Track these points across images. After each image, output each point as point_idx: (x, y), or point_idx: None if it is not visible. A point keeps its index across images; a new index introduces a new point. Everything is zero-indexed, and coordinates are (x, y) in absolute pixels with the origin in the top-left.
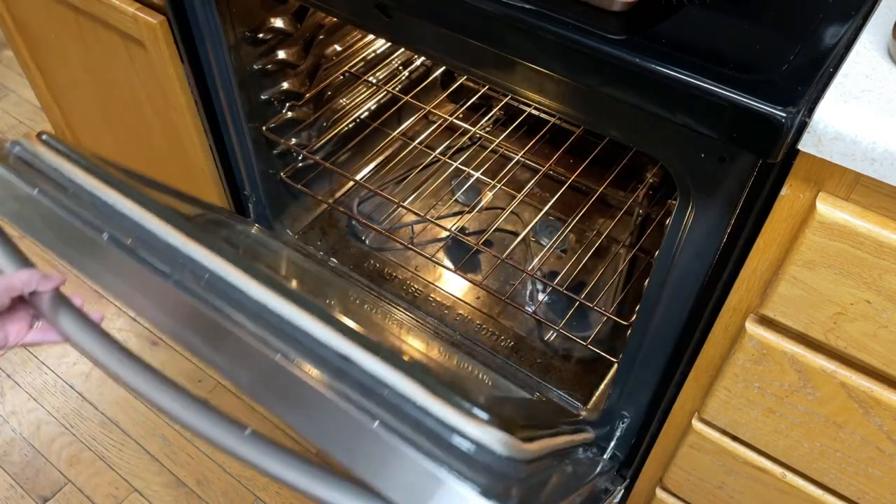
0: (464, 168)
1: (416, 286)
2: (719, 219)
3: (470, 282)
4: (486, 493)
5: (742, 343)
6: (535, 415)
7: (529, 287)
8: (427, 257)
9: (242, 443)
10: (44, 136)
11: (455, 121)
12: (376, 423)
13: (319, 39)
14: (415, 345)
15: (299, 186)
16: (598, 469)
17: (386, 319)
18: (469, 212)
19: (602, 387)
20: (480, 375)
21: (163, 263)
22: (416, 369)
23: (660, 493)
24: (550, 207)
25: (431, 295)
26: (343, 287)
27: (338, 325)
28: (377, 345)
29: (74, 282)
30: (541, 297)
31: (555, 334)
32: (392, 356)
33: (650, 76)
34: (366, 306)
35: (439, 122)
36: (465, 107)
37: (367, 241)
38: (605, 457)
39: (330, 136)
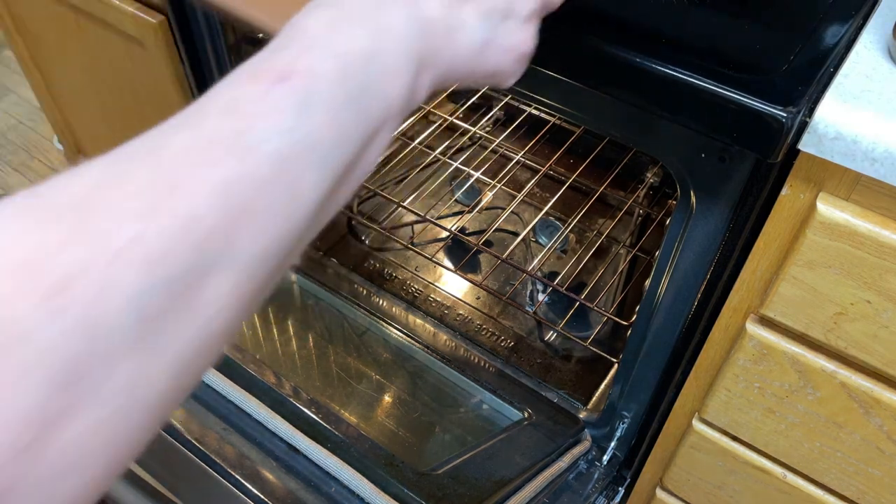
0: (464, 168)
1: (416, 286)
2: (720, 219)
3: (470, 282)
4: None
5: (742, 343)
6: (511, 461)
7: (529, 287)
8: (427, 257)
9: None
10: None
11: (455, 121)
12: None
13: None
14: (387, 399)
15: None
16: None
17: (367, 358)
18: (469, 212)
19: (602, 387)
20: (449, 434)
21: None
22: (366, 458)
23: (660, 494)
24: (550, 207)
25: (431, 295)
26: (332, 315)
27: (289, 410)
28: (329, 430)
29: None
30: (541, 297)
31: (555, 334)
32: (341, 446)
33: (650, 76)
34: (351, 344)
35: (439, 121)
36: (464, 106)
37: (367, 241)
38: (603, 463)
39: None
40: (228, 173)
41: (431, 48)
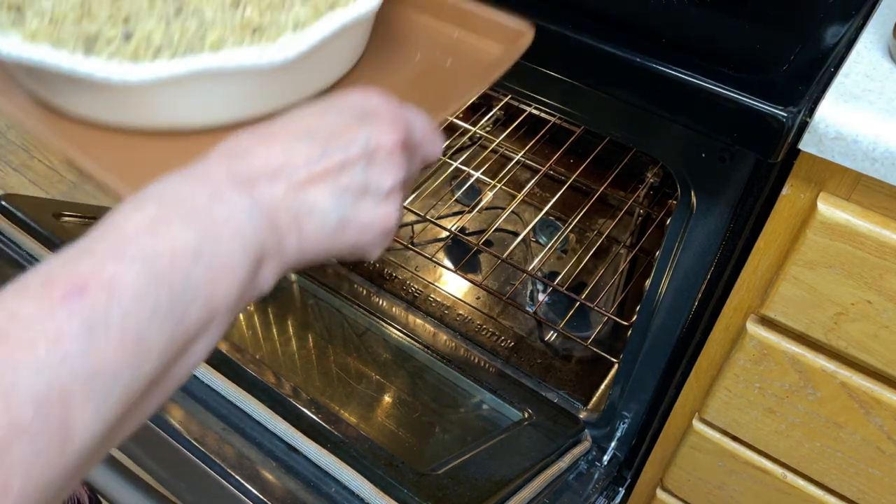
0: (464, 168)
1: (415, 286)
2: (720, 219)
3: (470, 282)
4: None
5: (743, 343)
6: (511, 462)
7: (530, 287)
8: (427, 257)
9: None
10: (3, 202)
11: (455, 120)
12: None
13: None
14: (387, 399)
15: None
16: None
17: (368, 360)
18: (469, 212)
19: (602, 387)
20: (448, 434)
21: None
22: (366, 458)
23: (660, 494)
24: (550, 207)
25: (431, 295)
26: (332, 315)
27: (289, 410)
28: (329, 431)
29: None
30: (541, 297)
31: (555, 334)
32: (341, 446)
33: (650, 76)
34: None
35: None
36: (464, 106)
37: None
38: (603, 463)
39: None
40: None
41: (275, 237)
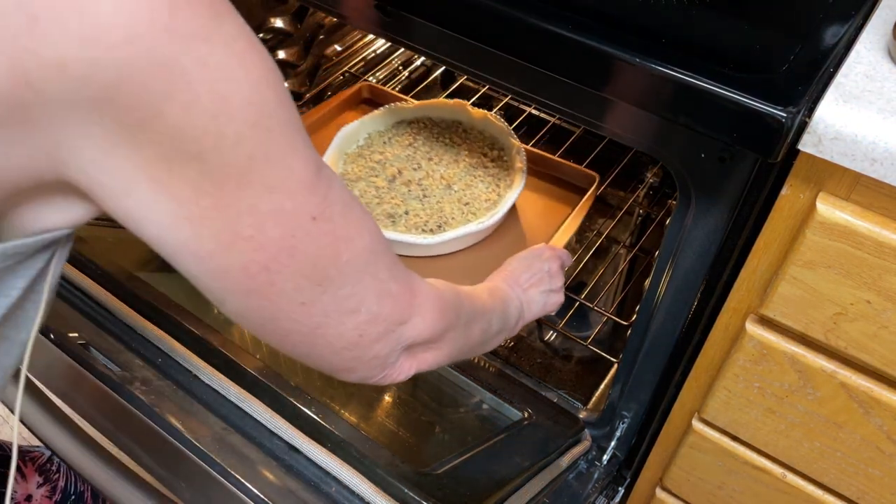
0: None
1: None
2: (719, 219)
3: None
4: None
5: (742, 343)
6: (511, 461)
7: None
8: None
9: None
10: None
11: None
12: None
13: (319, 39)
14: (387, 398)
15: None
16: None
17: None
18: None
19: (602, 387)
20: (448, 434)
21: (113, 357)
22: (366, 458)
23: (660, 494)
24: None
25: None
26: None
27: (290, 410)
28: (329, 430)
29: None
30: None
31: (555, 334)
32: (341, 446)
33: (650, 76)
34: None
35: None
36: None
37: None
38: (603, 463)
39: None
40: (490, 328)
41: (522, 310)
